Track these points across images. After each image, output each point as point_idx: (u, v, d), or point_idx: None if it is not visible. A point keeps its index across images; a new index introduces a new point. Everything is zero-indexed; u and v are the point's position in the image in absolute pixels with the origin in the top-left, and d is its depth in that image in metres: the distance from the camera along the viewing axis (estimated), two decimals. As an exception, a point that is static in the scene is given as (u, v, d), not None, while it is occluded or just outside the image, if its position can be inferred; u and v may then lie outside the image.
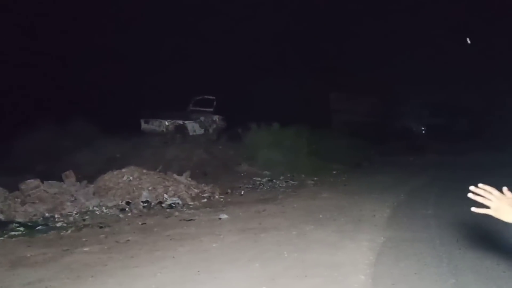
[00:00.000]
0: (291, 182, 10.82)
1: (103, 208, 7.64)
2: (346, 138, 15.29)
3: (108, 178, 8.52)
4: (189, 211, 7.70)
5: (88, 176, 9.15)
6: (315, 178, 11.28)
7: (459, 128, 21.89)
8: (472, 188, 1.73)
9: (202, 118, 16.53)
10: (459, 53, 21.26)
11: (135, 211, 7.63)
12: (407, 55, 20.54)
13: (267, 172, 11.61)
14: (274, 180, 10.88)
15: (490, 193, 1.72)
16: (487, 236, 5.74)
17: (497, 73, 21.08)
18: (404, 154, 16.55)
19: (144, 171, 8.94)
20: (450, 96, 24.28)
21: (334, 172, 12.50)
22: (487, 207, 1.72)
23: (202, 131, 16.38)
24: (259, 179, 10.99)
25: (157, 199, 8.19)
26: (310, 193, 9.31)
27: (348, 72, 22.45)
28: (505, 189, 1.74)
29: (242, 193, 9.47)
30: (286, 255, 5.34)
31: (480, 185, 1.73)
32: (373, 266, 4.94)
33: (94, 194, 8.11)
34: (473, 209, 1.76)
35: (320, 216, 7.29)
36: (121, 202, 7.93)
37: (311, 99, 20.75)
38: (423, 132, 25.21)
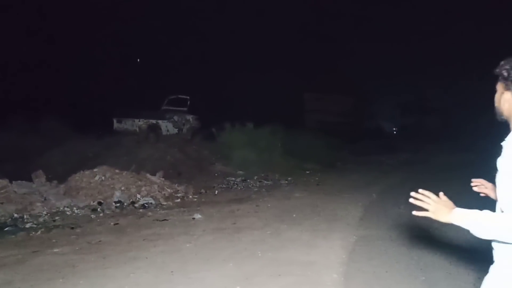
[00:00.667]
0: (265, 181, 10.86)
1: (74, 208, 7.50)
2: (320, 137, 15.43)
3: (80, 178, 8.37)
4: (163, 211, 7.63)
5: (59, 176, 8.97)
6: (289, 178, 11.35)
7: (430, 127, 22.41)
8: (412, 193, 1.92)
9: (175, 118, 16.41)
10: (430, 52, 21.76)
11: (108, 212, 7.51)
12: (380, 55, 20.89)
13: (241, 172, 11.62)
14: (248, 180, 10.90)
15: (428, 197, 1.90)
16: (457, 236, 5.89)
17: (467, 72, 21.69)
18: (377, 154, 16.82)
19: (117, 171, 8.82)
20: (421, 95, 24.88)
21: (308, 171, 12.61)
22: (427, 210, 1.90)
23: (175, 130, 16.26)
24: (233, 179, 10.99)
25: (130, 199, 8.09)
26: (284, 193, 9.37)
27: (322, 72, 22.73)
28: (441, 194, 1.93)
29: (216, 193, 9.45)
30: (260, 254, 5.36)
31: (420, 190, 1.91)
32: (346, 264, 5.01)
33: (65, 194, 7.96)
34: (414, 212, 1.94)
35: (294, 215, 7.34)
36: (93, 202, 7.80)
37: (286, 99, 20.89)
38: (394, 132, 25.71)
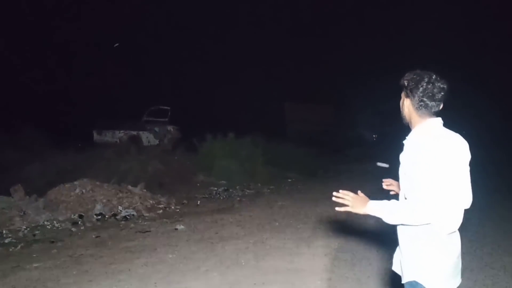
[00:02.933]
0: (248, 191, 10.87)
1: (55, 222, 7.38)
2: (301, 147, 15.53)
3: (60, 191, 8.24)
4: (145, 223, 7.57)
5: (38, 189, 8.81)
6: (271, 187, 11.39)
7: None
8: (334, 193, 2.30)
9: (156, 129, 16.35)
10: (405, 61, 22.15)
11: (89, 224, 7.42)
12: (359, 63, 21.19)
13: (223, 182, 11.61)
14: (231, 190, 10.90)
15: (347, 195, 2.28)
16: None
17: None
18: (357, 162, 16.98)
19: (98, 183, 8.72)
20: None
21: (290, 180, 12.67)
22: (347, 206, 2.28)
23: (157, 141, 16.19)
24: (216, 188, 10.97)
25: (111, 212, 8.01)
26: (266, 202, 9.40)
27: (303, 82, 22.95)
28: (359, 192, 2.32)
29: (199, 203, 9.42)
30: (243, 263, 5.36)
31: (340, 190, 2.30)
32: (330, 271, 5.06)
33: (44, 208, 7.81)
34: (336, 208, 2.32)
35: (277, 224, 7.38)
36: (74, 215, 7.69)
37: (267, 109, 21.00)
38: (374, 139, 25.97)
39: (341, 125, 23.58)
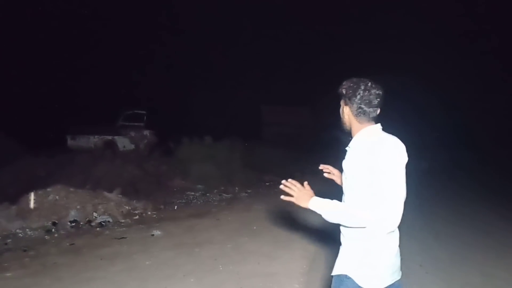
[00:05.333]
0: (225, 195, 10.83)
1: (27, 230, 7.20)
2: (278, 149, 15.57)
3: (32, 198, 8.06)
4: (121, 229, 7.46)
5: (9, 197, 8.59)
6: (249, 191, 11.38)
7: None
8: (283, 181, 2.37)
9: (132, 133, 16.16)
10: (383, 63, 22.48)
11: (63, 232, 7.27)
12: (334, 64, 21.33)
13: (200, 186, 11.54)
14: (208, 194, 10.85)
15: (295, 186, 2.35)
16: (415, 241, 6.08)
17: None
18: (334, 164, 17.08)
19: (72, 189, 8.53)
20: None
21: (267, 184, 12.67)
22: (292, 196, 2.35)
23: (132, 146, 15.99)
24: (193, 193, 10.89)
25: (86, 218, 7.86)
26: (244, 206, 9.39)
27: (279, 83, 23.04)
28: (305, 183, 2.40)
29: (176, 208, 9.34)
30: (221, 268, 5.35)
31: (289, 179, 2.37)
32: (307, 274, 5.09)
33: (16, 215, 7.62)
34: (282, 197, 2.39)
35: (255, 227, 7.37)
36: (47, 223, 7.50)
37: (243, 112, 21.00)
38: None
39: (317, 127, 23.74)
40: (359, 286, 2.23)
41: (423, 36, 24.14)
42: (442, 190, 11.77)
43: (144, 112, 16.52)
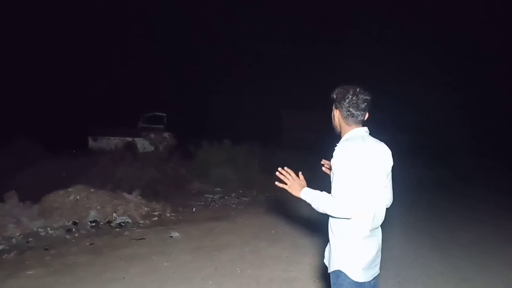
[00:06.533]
0: (243, 198, 10.82)
1: (49, 229, 7.31)
2: (297, 154, 15.49)
3: (54, 198, 8.15)
4: (140, 230, 7.51)
5: (32, 196, 8.72)
6: (267, 194, 11.34)
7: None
8: (279, 169, 2.60)
9: (152, 135, 16.29)
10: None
11: (83, 232, 7.35)
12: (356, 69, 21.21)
13: (219, 189, 11.56)
14: (226, 197, 10.85)
15: (289, 174, 2.58)
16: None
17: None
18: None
19: (92, 190, 8.64)
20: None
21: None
22: (286, 184, 2.58)
23: (152, 148, 16.12)
24: (211, 196, 10.91)
25: (106, 219, 7.94)
26: (262, 209, 9.36)
27: (299, 87, 22.95)
28: (300, 173, 2.61)
29: (194, 210, 9.36)
30: (239, 272, 5.33)
31: (285, 168, 2.60)
32: (325, 279, 5.01)
33: (38, 215, 7.74)
34: (276, 183, 2.62)
35: (273, 232, 7.33)
36: (68, 222, 7.61)
37: (263, 116, 20.97)
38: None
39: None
40: (352, 280, 2.45)
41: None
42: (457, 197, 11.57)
43: (164, 114, 16.64)
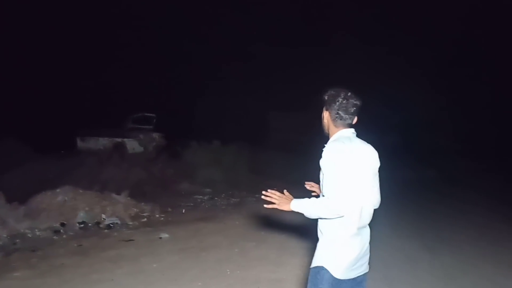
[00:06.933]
0: (232, 199, 10.83)
1: (36, 230, 7.25)
2: (284, 155, 15.53)
3: (41, 199, 8.09)
4: (128, 231, 7.49)
5: (19, 197, 8.65)
6: (256, 195, 11.35)
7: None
8: (264, 192, 2.65)
9: (141, 136, 16.22)
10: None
11: (71, 233, 7.31)
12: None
13: (208, 190, 11.56)
14: (215, 198, 10.85)
15: (274, 194, 2.63)
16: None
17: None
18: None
19: (80, 191, 8.59)
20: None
21: (274, 189, 12.63)
22: (274, 203, 2.61)
23: (141, 149, 16.04)
24: (200, 197, 10.91)
25: (94, 220, 7.89)
26: (251, 210, 9.36)
27: (286, 89, 23.02)
28: (285, 191, 2.66)
29: (183, 211, 9.35)
30: (228, 273, 5.34)
31: (268, 190, 2.65)
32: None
33: (25, 216, 7.67)
34: (265, 205, 2.67)
35: (262, 233, 7.36)
36: (55, 224, 7.55)
37: (250, 117, 20.99)
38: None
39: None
40: (332, 276, 2.48)
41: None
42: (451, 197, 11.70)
43: (153, 115, 16.58)
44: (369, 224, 2.65)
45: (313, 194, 2.99)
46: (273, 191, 2.64)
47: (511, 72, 23.20)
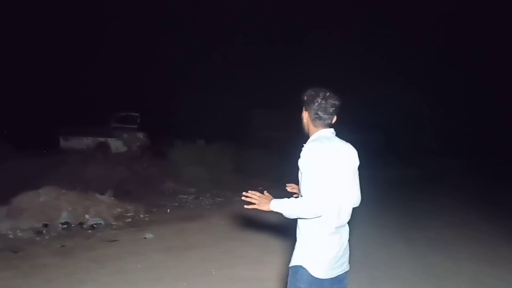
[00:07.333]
0: (218, 199, 10.82)
1: (17, 231, 7.14)
2: (269, 154, 15.55)
3: (23, 199, 7.95)
4: (112, 231, 7.43)
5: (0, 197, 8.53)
6: (241, 195, 11.35)
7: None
8: (244, 193, 2.63)
9: (125, 135, 16.10)
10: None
11: (53, 234, 7.22)
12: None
13: (193, 189, 11.52)
14: (200, 197, 10.82)
15: (254, 194, 2.61)
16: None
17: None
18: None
19: (63, 191, 8.48)
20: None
21: (260, 188, 12.67)
22: (254, 204, 2.59)
23: (125, 148, 15.93)
24: (185, 196, 10.87)
25: (77, 220, 7.81)
26: (236, 210, 9.35)
27: (270, 88, 23.07)
28: (265, 192, 2.64)
29: (168, 211, 9.31)
30: (213, 272, 5.34)
31: (248, 191, 2.63)
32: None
33: (6, 216, 7.56)
34: (245, 206, 2.66)
35: (246, 232, 7.37)
36: (38, 224, 7.45)
37: (234, 116, 20.98)
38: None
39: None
40: (311, 275, 2.48)
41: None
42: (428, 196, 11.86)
43: (137, 114, 16.48)
44: (353, 223, 2.66)
45: (294, 196, 2.97)
46: (253, 192, 2.64)
47: (490, 71, 23.63)
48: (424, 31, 24.41)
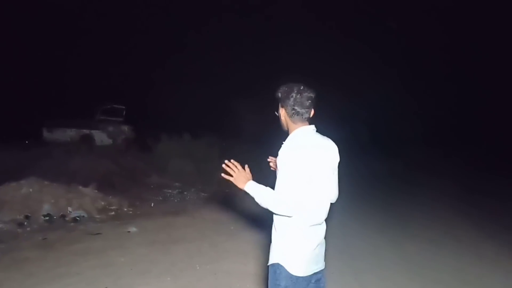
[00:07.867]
0: (202, 193, 10.76)
1: (-2, 223, 7.03)
2: (256, 147, 15.52)
3: (4, 191, 7.82)
4: (95, 225, 7.33)
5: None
6: (227, 190, 11.31)
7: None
8: (226, 161, 2.58)
9: (110, 128, 15.94)
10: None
11: (35, 226, 7.10)
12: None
13: (178, 184, 11.44)
14: (185, 192, 10.75)
15: (235, 166, 2.57)
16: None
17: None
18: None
19: (46, 182, 8.34)
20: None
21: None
22: (232, 176, 2.56)
23: (110, 141, 15.77)
24: (170, 190, 10.79)
25: (60, 213, 7.69)
26: (221, 205, 9.33)
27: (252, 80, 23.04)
28: (246, 166, 2.61)
29: (152, 205, 9.23)
30: (198, 267, 5.31)
31: (232, 160, 2.58)
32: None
33: (-13, 208, 7.43)
34: (222, 175, 2.60)
35: (232, 227, 7.34)
36: (19, 216, 7.32)
37: (222, 109, 20.90)
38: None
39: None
40: (289, 273, 2.48)
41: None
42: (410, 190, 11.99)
43: (123, 107, 16.32)
44: (332, 218, 2.64)
45: (271, 164, 2.96)
46: (236, 163, 2.60)
47: (474, 63, 23.90)
48: (413, 24, 24.52)
